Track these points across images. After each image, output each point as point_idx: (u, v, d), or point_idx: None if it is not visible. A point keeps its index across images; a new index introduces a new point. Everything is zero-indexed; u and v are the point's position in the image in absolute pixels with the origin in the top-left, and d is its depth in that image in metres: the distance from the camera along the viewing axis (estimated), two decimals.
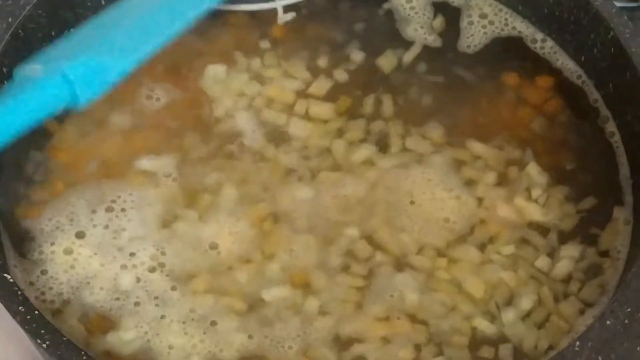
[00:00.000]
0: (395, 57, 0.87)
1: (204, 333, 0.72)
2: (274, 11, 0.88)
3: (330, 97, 0.85)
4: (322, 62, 0.86)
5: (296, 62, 0.87)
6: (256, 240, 0.77)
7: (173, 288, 0.74)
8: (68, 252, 0.75)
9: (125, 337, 0.72)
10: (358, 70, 0.86)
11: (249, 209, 0.78)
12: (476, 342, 0.73)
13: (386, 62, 0.87)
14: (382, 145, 0.82)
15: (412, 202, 0.79)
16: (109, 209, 0.77)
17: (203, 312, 0.73)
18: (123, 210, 0.77)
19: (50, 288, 0.74)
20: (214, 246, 0.76)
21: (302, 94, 0.85)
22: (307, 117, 0.83)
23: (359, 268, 0.76)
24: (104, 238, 0.76)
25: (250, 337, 0.72)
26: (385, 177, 0.80)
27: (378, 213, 0.78)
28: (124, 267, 0.75)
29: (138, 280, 0.74)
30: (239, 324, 0.73)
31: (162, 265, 0.75)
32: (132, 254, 0.75)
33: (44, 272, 0.74)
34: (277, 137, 0.82)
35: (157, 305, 0.73)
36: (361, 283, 0.75)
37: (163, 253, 0.76)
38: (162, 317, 0.73)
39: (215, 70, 0.85)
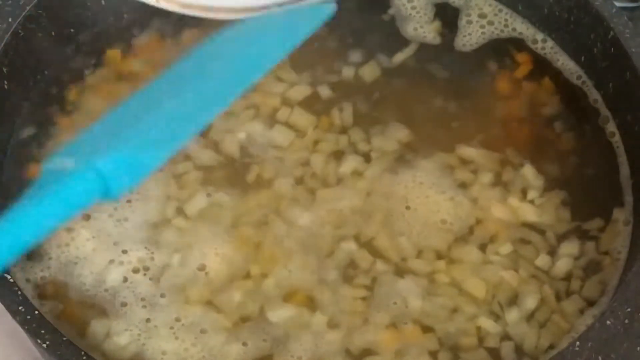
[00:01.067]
0: (379, 67, 0.86)
1: (195, 338, 0.72)
2: None
3: (313, 106, 0.84)
4: (312, 66, 0.86)
5: (284, 64, 0.86)
6: (251, 260, 0.76)
7: (162, 295, 0.74)
8: (70, 230, 0.76)
9: (120, 341, 0.72)
10: (347, 77, 0.86)
11: (242, 230, 0.77)
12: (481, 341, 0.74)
13: (369, 71, 0.86)
14: (366, 154, 0.81)
15: (407, 207, 0.79)
16: None
17: (192, 321, 0.73)
18: (129, 201, 0.78)
19: (40, 265, 0.75)
20: (201, 267, 0.75)
21: (287, 100, 0.84)
22: (291, 127, 0.82)
23: (361, 278, 0.75)
24: (105, 225, 0.77)
25: (244, 344, 0.72)
26: (376, 185, 0.80)
27: (375, 221, 0.78)
28: (112, 261, 0.75)
29: (125, 279, 0.75)
30: (227, 337, 0.72)
31: (146, 268, 0.75)
32: (124, 251, 0.76)
33: (38, 246, 0.76)
34: (268, 155, 0.81)
35: (144, 306, 0.74)
36: (365, 293, 0.75)
37: (152, 258, 0.76)
38: (148, 320, 0.73)
39: None
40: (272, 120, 0.83)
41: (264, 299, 0.74)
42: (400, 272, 0.76)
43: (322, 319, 0.73)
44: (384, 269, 0.76)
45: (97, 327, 0.73)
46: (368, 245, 0.77)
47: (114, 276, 0.75)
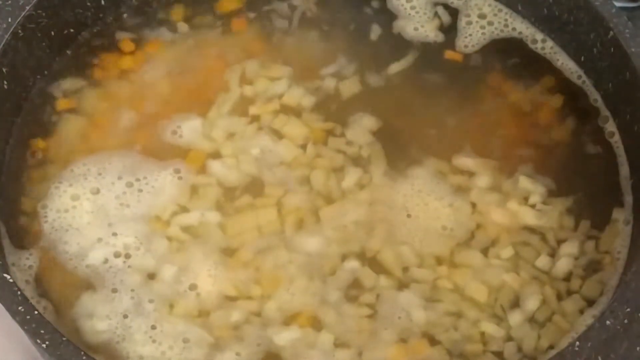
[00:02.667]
0: (359, 82, 0.85)
1: (174, 342, 0.72)
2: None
3: (303, 116, 0.83)
4: (305, 72, 0.86)
5: (281, 68, 0.86)
6: (250, 282, 0.75)
7: (151, 300, 0.74)
8: (75, 198, 0.78)
9: (98, 326, 0.73)
10: (327, 87, 0.85)
11: (246, 250, 0.77)
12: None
13: (349, 86, 0.85)
14: (357, 155, 0.81)
15: (408, 216, 0.78)
16: (129, 184, 0.79)
17: (173, 331, 0.73)
18: (140, 190, 0.79)
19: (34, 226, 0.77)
20: (193, 287, 0.75)
21: (283, 107, 0.84)
22: (285, 136, 0.82)
23: (365, 297, 0.75)
24: (108, 204, 0.78)
25: (238, 354, 0.72)
26: (377, 195, 0.79)
27: (378, 234, 0.77)
28: (100, 240, 0.76)
29: (106, 260, 0.75)
30: (209, 350, 0.72)
31: (127, 255, 0.76)
32: (114, 234, 0.76)
33: (43, 205, 0.77)
34: (271, 172, 0.81)
35: (132, 297, 0.74)
36: (369, 311, 0.74)
37: (138, 248, 0.76)
38: (125, 316, 0.73)
39: (192, 124, 0.83)
40: (268, 128, 0.82)
41: (265, 322, 0.74)
42: (403, 283, 0.75)
43: (329, 337, 0.73)
44: (387, 284, 0.75)
45: (85, 302, 0.73)
46: (372, 261, 0.76)
47: (95, 254, 0.75)
